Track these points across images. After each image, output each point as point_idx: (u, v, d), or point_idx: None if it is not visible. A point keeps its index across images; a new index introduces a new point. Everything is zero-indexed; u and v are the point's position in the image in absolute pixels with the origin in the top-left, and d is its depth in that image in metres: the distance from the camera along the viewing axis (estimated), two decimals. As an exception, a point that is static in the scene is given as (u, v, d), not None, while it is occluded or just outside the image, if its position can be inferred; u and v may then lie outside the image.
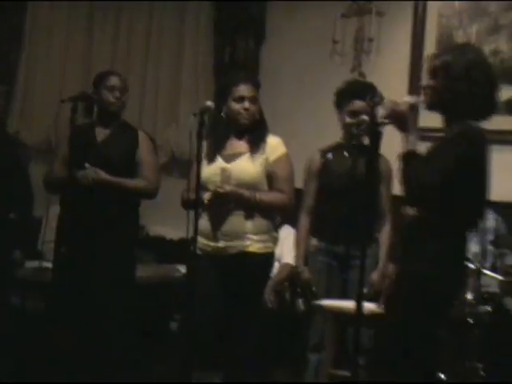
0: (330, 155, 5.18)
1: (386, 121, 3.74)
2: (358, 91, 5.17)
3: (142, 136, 5.39)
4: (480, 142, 3.78)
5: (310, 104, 6.04)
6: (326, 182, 5.12)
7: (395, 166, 4.05)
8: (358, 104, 5.10)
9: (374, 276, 4.89)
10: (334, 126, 5.28)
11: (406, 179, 3.79)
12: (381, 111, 3.74)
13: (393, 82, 6.64)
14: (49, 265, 5.52)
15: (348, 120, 5.13)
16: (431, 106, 3.87)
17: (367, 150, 4.97)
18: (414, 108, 3.85)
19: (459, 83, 3.77)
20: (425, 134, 4.02)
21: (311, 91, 6.11)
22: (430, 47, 6.75)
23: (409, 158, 3.77)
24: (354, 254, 4.92)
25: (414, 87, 6.74)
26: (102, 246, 5.21)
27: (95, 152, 5.24)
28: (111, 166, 5.20)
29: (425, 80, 3.96)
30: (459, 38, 6.66)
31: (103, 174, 5.14)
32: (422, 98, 3.92)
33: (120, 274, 5.25)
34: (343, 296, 4.69)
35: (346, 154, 5.15)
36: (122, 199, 5.24)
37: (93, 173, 5.13)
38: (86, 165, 5.14)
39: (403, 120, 3.79)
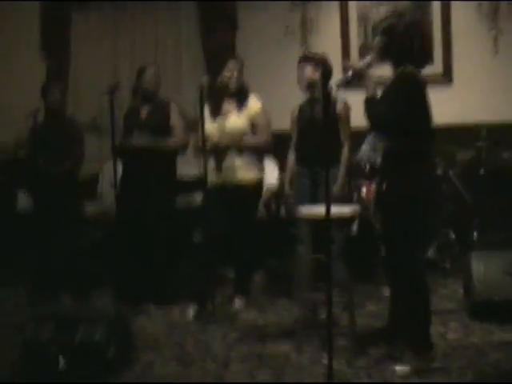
0: (300, 106, 5.13)
1: (350, 77, 3.68)
2: (299, 60, 5.12)
3: (172, 107, 5.34)
4: (413, 80, 3.66)
5: (272, 72, 6.00)
6: (300, 125, 5.09)
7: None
8: (300, 65, 5.05)
9: (335, 187, 4.84)
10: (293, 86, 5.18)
11: (369, 118, 3.70)
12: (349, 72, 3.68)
13: (330, 50, 6.51)
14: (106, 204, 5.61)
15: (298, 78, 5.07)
16: (382, 59, 3.73)
17: (323, 100, 5.00)
18: (371, 65, 3.76)
19: (401, 38, 3.66)
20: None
21: (273, 63, 6.06)
22: (352, 24, 6.72)
23: (369, 101, 3.69)
24: (321, 172, 4.88)
25: (344, 53, 6.70)
26: (151, 188, 5.19)
27: (141, 125, 5.24)
28: (153, 133, 5.19)
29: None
30: (373, 15, 6.59)
31: (145, 139, 5.13)
32: (373, 55, 3.74)
33: (165, 205, 5.28)
34: (315, 202, 4.66)
35: (308, 104, 5.09)
36: (163, 156, 5.21)
37: (139, 138, 5.14)
38: (135, 133, 5.20)
39: (363, 75, 3.71)
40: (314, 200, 4.79)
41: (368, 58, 3.78)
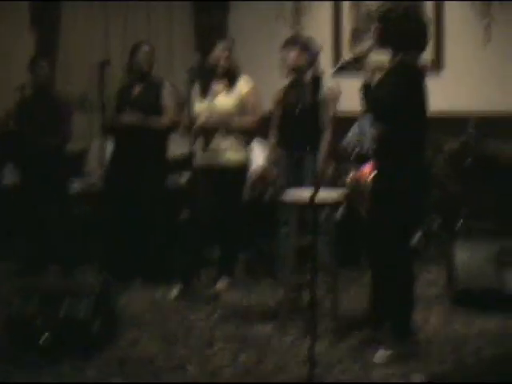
0: (285, 90, 5.14)
1: (348, 63, 3.70)
2: (286, 42, 5.10)
3: (166, 86, 5.31)
4: (413, 68, 3.68)
5: (264, 53, 6.00)
6: (283, 108, 5.10)
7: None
8: (287, 49, 5.04)
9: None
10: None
11: (368, 102, 3.73)
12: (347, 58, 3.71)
13: (322, 32, 6.62)
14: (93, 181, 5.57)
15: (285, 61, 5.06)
16: (380, 45, 3.75)
17: (308, 84, 5.01)
18: (370, 50, 3.78)
19: (399, 23, 3.66)
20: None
21: (264, 44, 6.06)
22: (345, 7, 6.72)
23: (367, 87, 3.72)
24: (304, 155, 4.90)
25: (336, 35, 6.68)
26: (141, 165, 5.17)
27: (133, 102, 5.21)
28: (144, 111, 5.16)
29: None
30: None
31: (137, 116, 5.12)
32: (372, 42, 3.77)
33: (154, 182, 5.26)
34: (299, 186, 4.68)
35: (292, 87, 5.10)
36: (153, 133, 5.19)
37: (129, 116, 5.12)
38: (126, 110, 5.15)
39: (361, 61, 3.74)
40: (297, 183, 4.82)
41: (367, 44, 3.80)
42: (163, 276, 5.16)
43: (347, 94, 4.93)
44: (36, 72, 5.56)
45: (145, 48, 5.28)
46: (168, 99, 5.27)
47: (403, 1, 3.82)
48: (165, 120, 5.22)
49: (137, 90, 5.29)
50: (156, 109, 5.22)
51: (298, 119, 4.96)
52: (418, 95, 3.69)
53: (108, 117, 4.97)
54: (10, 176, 5.96)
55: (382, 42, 3.74)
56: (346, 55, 6.21)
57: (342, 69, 3.80)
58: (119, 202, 5.21)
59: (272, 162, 5.17)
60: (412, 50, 3.70)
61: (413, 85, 3.67)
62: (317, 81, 3.57)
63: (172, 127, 5.28)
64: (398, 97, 3.61)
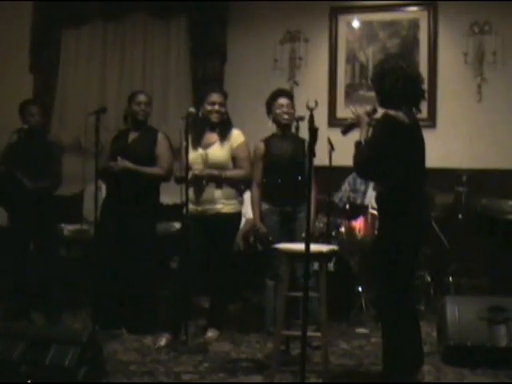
0: (269, 142, 5.16)
1: (353, 122, 3.80)
2: (280, 93, 5.19)
3: (160, 136, 5.32)
4: (388, 122, 3.69)
5: (260, 105, 6.02)
6: (269, 161, 5.11)
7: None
8: (282, 99, 5.10)
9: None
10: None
11: (353, 161, 3.78)
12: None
13: (317, 87, 6.80)
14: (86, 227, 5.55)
15: (277, 111, 5.08)
16: (380, 105, 3.84)
17: (294, 137, 5.04)
18: (371, 113, 3.87)
19: (385, 85, 3.77)
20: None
21: (260, 96, 6.10)
22: (341, 63, 6.86)
23: (356, 146, 3.79)
24: (295, 210, 4.91)
25: (331, 90, 6.79)
26: (132, 212, 5.14)
27: (127, 149, 5.22)
28: (137, 159, 5.16)
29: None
30: (360, 56, 6.77)
31: (127, 164, 5.11)
32: (373, 105, 3.90)
33: (146, 231, 5.22)
34: (290, 241, 4.67)
35: (279, 140, 5.13)
36: (145, 181, 5.17)
37: (121, 163, 5.11)
38: (118, 158, 5.15)
39: (361, 122, 3.84)
40: (288, 237, 4.81)
41: (369, 107, 3.90)
42: (151, 325, 5.10)
43: (339, 147, 4.98)
44: (26, 117, 5.57)
45: (141, 97, 5.30)
46: (162, 148, 5.28)
47: (395, 60, 3.90)
48: (157, 170, 5.21)
49: (132, 137, 5.31)
50: (149, 157, 5.23)
51: (285, 173, 4.99)
52: (397, 148, 3.67)
53: (102, 162, 4.99)
54: (1, 218, 5.94)
55: (380, 102, 3.83)
56: (347, 112, 6.39)
57: (350, 128, 3.88)
58: (108, 249, 5.14)
59: (258, 216, 5.11)
60: (402, 106, 3.73)
61: (388, 138, 3.67)
62: (315, 132, 3.58)
63: (165, 176, 5.28)
64: (375, 154, 3.66)
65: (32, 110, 5.60)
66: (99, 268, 5.05)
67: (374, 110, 3.89)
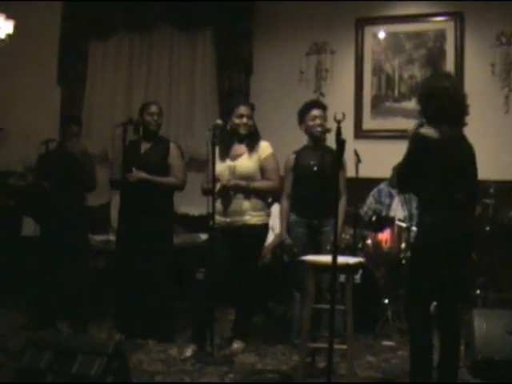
0: (300, 154, 5.16)
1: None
2: (313, 104, 5.18)
3: (172, 146, 5.37)
4: (414, 138, 3.76)
5: (286, 117, 6.04)
6: (298, 173, 5.11)
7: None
8: (316, 111, 5.07)
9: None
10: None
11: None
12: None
13: (343, 99, 6.79)
14: (113, 237, 5.56)
15: (310, 123, 5.08)
16: (427, 122, 3.81)
17: (325, 148, 5.03)
18: (417, 128, 3.83)
19: (427, 103, 3.81)
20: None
21: (286, 108, 6.12)
22: (367, 74, 6.86)
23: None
24: (321, 223, 4.90)
25: (357, 102, 6.79)
26: (148, 223, 5.16)
27: (139, 160, 5.24)
28: (151, 169, 5.20)
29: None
30: (386, 67, 6.76)
31: (144, 174, 5.15)
32: (420, 119, 3.87)
33: (162, 241, 5.23)
34: (316, 253, 4.66)
35: (310, 152, 5.12)
36: (160, 191, 5.21)
37: (137, 174, 5.13)
38: (133, 169, 5.16)
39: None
40: (314, 250, 4.80)
41: (416, 122, 3.88)
42: (177, 335, 5.10)
43: (365, 160, 4.96)
44: (67, 134, 5.67)
45: (153, 108, 5.33)
46: (174, 158, 5.31)
47: (439, 79, 3.90)
48: (170, 180, 5.25)
49: (144, 148, 5.34)
50: (163, 167, 5.26)
51: (313, 185, 4.97)
52: (422, 163, 3.72)
53: (114, 173, 5.02)
54: (30, 227, 5.99)
55: (426, 119, 3.82)
56: (374, 124, 6.49)
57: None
58: (127, 259, 5.16)
59: (285, 227, 5.13)
60: (445, 124, 3.75)
61: (414, 153, 3.73)
62: (342, 144, 3.57)
63: (180, 186, 5.31)
64: (403, 164, 3.77)
65: (73, 128, 5.67)
66: (120, 278, 5.08)
67: (421, 125, 3.87)
